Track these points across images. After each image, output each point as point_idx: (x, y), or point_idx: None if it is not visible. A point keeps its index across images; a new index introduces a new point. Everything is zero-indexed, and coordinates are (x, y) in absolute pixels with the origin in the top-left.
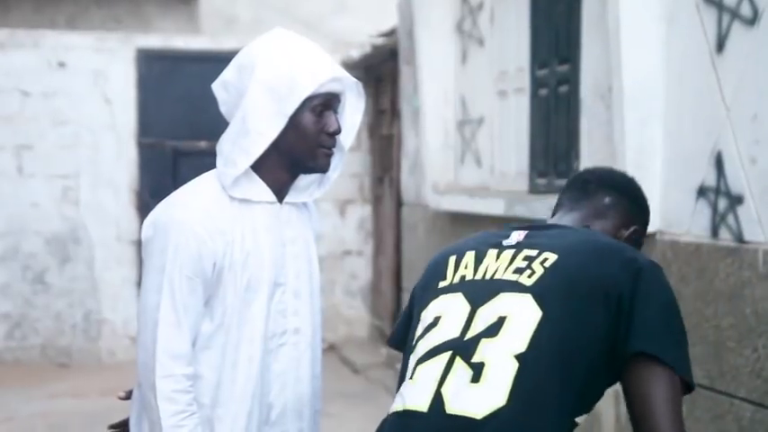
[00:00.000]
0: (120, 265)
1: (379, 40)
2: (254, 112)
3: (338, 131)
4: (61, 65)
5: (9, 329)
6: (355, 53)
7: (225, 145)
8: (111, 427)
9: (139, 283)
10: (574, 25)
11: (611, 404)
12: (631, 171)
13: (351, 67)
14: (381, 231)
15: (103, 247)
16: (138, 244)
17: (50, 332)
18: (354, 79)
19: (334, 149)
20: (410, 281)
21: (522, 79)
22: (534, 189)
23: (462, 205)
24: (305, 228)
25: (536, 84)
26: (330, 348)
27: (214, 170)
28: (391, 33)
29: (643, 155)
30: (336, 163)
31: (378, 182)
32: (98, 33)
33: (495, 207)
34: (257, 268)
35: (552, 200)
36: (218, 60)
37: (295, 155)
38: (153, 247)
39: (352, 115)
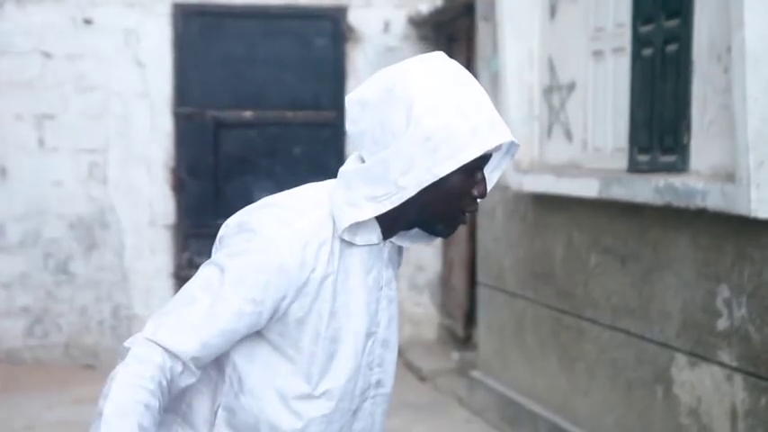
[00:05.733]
0: (154, 253)
1: None
2: (401, 162)
3: (484, 195)
4: (87, 22)
5: (29, 326)
6: (424, 7)
7: (353, 178)
8: None
9: (175, 275)
10: None
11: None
12: (754, 146)
13: (419, 23)
14: None
15: (135, 232)
16: (173, 229)
17: (75, 329)
18: (514, 139)
19: None
20: (486, 274)
21: (622, 37)
22: (635, 167)
23: (549, 186)
24: (397, 266)
25: (639, 42)
26: None
27: (329, 187)
28: None
29: None
30: None
31: None
32: None
33: (587, 188)
34: (347, 317)
35: (656, 180)
36: (268, 17)
37: (429, 214)
38: (226, 245)
39: (492, 171)
